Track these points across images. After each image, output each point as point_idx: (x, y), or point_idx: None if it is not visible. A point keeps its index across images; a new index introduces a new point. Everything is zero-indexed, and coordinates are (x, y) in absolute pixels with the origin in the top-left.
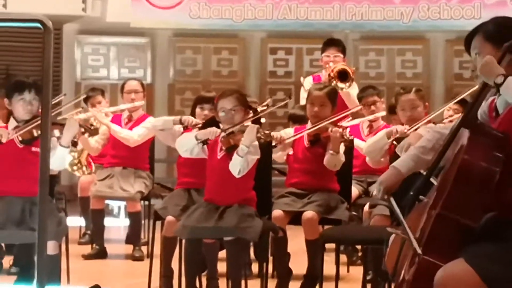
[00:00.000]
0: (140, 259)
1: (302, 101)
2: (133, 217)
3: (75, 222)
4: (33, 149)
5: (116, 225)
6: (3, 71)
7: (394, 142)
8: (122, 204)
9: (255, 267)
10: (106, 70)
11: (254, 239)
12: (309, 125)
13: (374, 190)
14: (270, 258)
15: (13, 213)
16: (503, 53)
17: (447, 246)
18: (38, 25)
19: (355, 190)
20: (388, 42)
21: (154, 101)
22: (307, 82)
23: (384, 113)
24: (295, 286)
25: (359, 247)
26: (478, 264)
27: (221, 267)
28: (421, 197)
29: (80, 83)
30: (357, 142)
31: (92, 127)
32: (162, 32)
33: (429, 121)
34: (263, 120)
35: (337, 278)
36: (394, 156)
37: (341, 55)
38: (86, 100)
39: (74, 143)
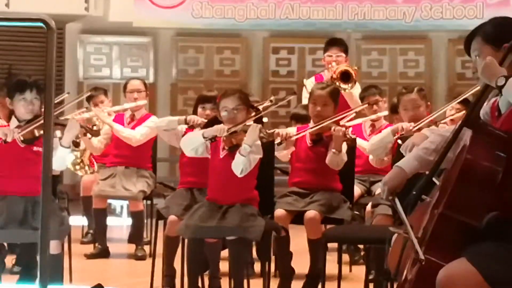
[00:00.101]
0: (142, 258)
1: (304, 101)
2: (136, 216)
3: (78, 221)
4: (35, 148)
5: (119, 225)
6: (5, 70)
7: (399, 141)
8: (125, 203)
9: (257, 267)
10: (108, 69)
11: (256, 239)
12: (311, 124)
13: (377, 189)
14: (273, 258)
15: (15, 213)
16: (505, 53)
17: (450, 246)
18: (41, 24)
19: (357, 190)
20: (390, 42)
21: (156, 101)
22: (309, 83)
23: (386, 112)
24: (297, 286)
25: (361, 246)
26: (481, 264)
27: (224, 266)
28: (423, 196)
29: (83, 83)
30: (359, 142)
31: (93, 128)
32: (164, 31)
33: (431, 121)
34: (265, 119)
35: (339, 277)
36: (397, 156)
37: (344, 55)
38: (88, 99)
39: (76, 144)
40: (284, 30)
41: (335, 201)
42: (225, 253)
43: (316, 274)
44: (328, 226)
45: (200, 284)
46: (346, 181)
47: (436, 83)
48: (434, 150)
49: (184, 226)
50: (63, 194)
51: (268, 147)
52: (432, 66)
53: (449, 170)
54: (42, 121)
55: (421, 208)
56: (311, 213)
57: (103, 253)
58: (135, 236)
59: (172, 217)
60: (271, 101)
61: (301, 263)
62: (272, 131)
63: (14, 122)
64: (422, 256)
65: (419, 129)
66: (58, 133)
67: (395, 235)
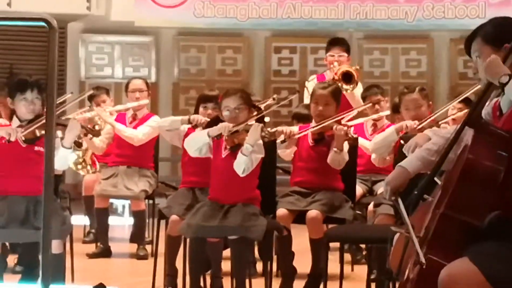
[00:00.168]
0: (144, 258)
1: (306, 101)
2: (138, 216)
3: (80, 221)
4: (36, 148)
5: (121, 224)
6: (7, 70)
7: (402, 142)
8: (127, 203)
9: (259, 266)
10: (110, 69)
11: (258, 238)
12: (313, 124)
13: (379, 189)
14: (275, 257)
15: (17, 212)
16: (507, 52)
17: (452, 245)
18: (43, 24)
19: (359, 189)
20: (392, 41)
21: (158, 100)
22: (311, 84)
23: (388, 112)
24: (299, 285)
25: (363, 246)
26: (482, 263)
27: (226, 266)
28: (425, 196)
29: (85, 82)
30: (361, 141)
31: (94, 129)
32: (166, 31)
33: (433, 120)
34: (267, 119)
35: (341, 277)
36: (399, 155)
37: (346, 55)
38: (90, 99)
39: (79, 144)
40: (286, 29)
41: (337, 200)
42: (227, 252)
43: (318, 273)
44: (330, 226)
45: (202, 284)
46: (348, 180)
47: (438, 82)
48: (436, 151)
49: (186, 226)
50: (65, 194)
51: (270, 146)
52: (434, 65)
53: (451, 170)
54: (44, 121)
55: (423, 207)
56: (313, 212)
57: (105, 253)
58: (137, 236)
59: (174, 217)
60: (273, 99)
61: (303, 262)
62: (275, 129)
63: (15, 121)
64: (423, 260)
65: (422, 128)
66: (59, 133)
67: (397, 234)
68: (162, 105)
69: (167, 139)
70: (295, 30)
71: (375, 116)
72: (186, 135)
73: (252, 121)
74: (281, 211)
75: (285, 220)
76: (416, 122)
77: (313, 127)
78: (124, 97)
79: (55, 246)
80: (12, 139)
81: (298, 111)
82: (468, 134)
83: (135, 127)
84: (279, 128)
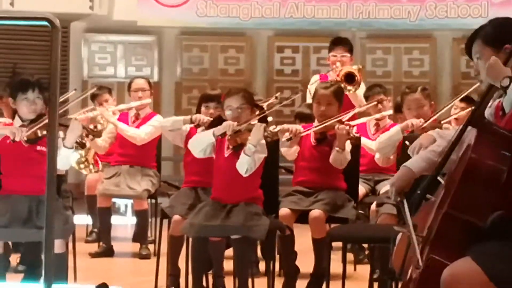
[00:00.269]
0: (147, 257)
1: (309, 101)
2: (140, 215)
3: (82, 220)
4: (38, 147)
5: (123, 223)
6: (10, 69)
7: (406, 143)
8: (129, 202)
9: (262, 266)
10: (113, 68)
11: (261, 238)
12: (316, 123)
13: (382, 188)
14: (277, 257)
15: (19, 212)
16: (509, 55)
17: (454, 245)
18: (46, 23)
19: (362, 189)
20: (395, 41)
21: (161, 99)
22: (315, 84)
23: (390, 111)
24: (302, 285)
25: (366, 245)
26: (485, 263)
27: (228, 265)
28: (428, 195)
29: (87, 81)
30: (364, 141)
31: (95, 130)
32: (169, 30)
33: (435, 119)
34: (269, 118)
35: (344, 276)
36: (402, 155)
37: (348, 55)
38: (93, 98)
39: (83, 145)
40: (288, 29)
41: (339, 200)
42: (229, 252)
43: (321, 273)
44: (333, 225)
45: (204, 283)
46: (350, 180)
47: (441, 82)
48: (440, 153)
49: (188, 225)
50: (68, 193)
51: (272, 146)
52: (436, 65)
53: (454, 169)
54: (47, 121)
55: (426, 207)
56: (315, 212)
57: (108, 252)
58: (140, 235)
59: (176, 217)
60: (276, 97)
61: (305, 262)
62: (281, 126)
63: (17, 121)
64: (421, 263)
65: (425, 128)
66: (60, 133)
67: (400, 234)
68: (165, 105)
69: (169, 139)
70: (297, 30)
71: (377, 115)
72: (189, 134)
73: (254, 121)
74: (283, 211)
75: (287, 220)
76: (421, 120)
77: (316, 127)
78: (126, 96)
79: (58, 246)
80: (17, 138)
81: (300, 110)
82: (471, 134)
83: (137, 127)
84: (285, 126)
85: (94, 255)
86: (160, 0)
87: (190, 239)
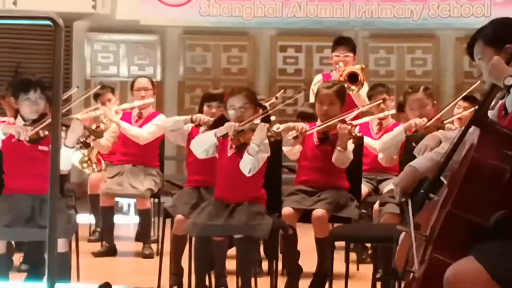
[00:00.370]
0: (150, 256)
1: (312, 100)
2: (143, 214)
3: (85, 219)
4: (40, 147)
5: (126, 223)
6: (12, 68)
7: (413, 144)
8: (132, 201)
9: (264, 265)
10: (116, 67)
11: (264, 237)
12: (318, 123)
13: (385, 188)
14: (280, 256)
15: (22, 211)
16: (511, 54)
17: (457, 244)
18: (49, 22)
19: (364, 188)
20: (398, 40)
21: (164, 99)
22: (317, 85)
23: (393, 111)
24: (305, 284)
25: (368, 245)
26: (488, 262)
27: (231, 264)
28: (431, 195)
29: (90, 81)
30: (366, 140)
31: (96, 130)
32: (172, 29)
33: (438, 119)
34: (272, 117)
35: (346, 276)
36: (404, 155)
37: (351, 55)
38: (95, 98)
39: (87, 144)
40: (291, 28)
41: (342, 199)
42: (232, 251)
43: (324, 272)
44: (336, 225)
45: (207, 283)
46: (353, 179)
47: (444, 81)
48: (444, 154)
49: (191, 224)
50: (70, 192)
51: (275, 145)
52: (439, 64)
53: (457, 169)
54: (49, 121)
55: (429, 207)
56: (318, 211)
57: (110, 251)
58: (143, 234)
59: (179, 216)
60: (276, 98)
61: (308, 261)
62: (286, 125)
63: (19, 121)
64: (416, 268)
65: (428, 128)
66: (62, 133)
67: (403, 233)
68: (168, 104)
69: (171, 139)
70: (300, 29)
71: (380, 115)
72: (191, 134)
73: (257, 120)
74: (286, 210)
75: (290, 219)
76: (425, 119)
77: (318, 126)
78: (129, 95)
79: (61, 245)
80: (22, 137)
81: (303, 110)
82: (474, 133)
83: (140, 126)
84: (291, 124)
85: (97, 254)
86: None
87: (193, 239)
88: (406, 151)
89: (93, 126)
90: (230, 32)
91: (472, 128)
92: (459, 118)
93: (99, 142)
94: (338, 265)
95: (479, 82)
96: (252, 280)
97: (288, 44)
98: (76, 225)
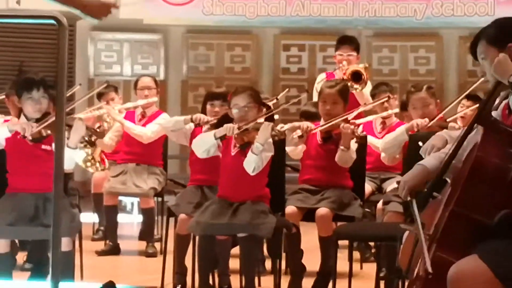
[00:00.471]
0: (153, 255)
1: (315, 99)
2: (147, 213)
3: (89, 218)
4: (43, 146)
5: (129, 222)
6: (16, 67)
7: (420, 143)
8: (135, 200)
9: (268, 264)
10: (119, 66)
11: (267, 236)
12: (322, 122)
13: (388, 187)
14: (283, 255)
15: (26, 210)
16: None
17: (461, 243)
18: (53, 21)
19: (368, 187)
20: (401, 39)
21: (167, 98)
22: (321, 83)
23: (397, 110)
24: (308, 283)
25: (372, 244)
26: (492, 261)
27: (235, 263)
28: (435, 194)
29: (93, 80)
30: (370, 139)
31: (98, 130)
32: (175, 28)
33: (441, 118)
34: (276, 116)
35: (350, 275)
36: (408, 154)
37: (355, 54)
38: (99, 97)
39: (92, 143)
40: (294, 27)
41: (346, 198)
42: (236, 250)
43: (327, 271)
44: (339, 223)
45: (211, 281)
46: (356, 178)
47: (447, 80)
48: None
49: (195, 223)
50: (74, 191)
51: (278, 144)
52: (443, 63)
53: (461, 168)
54: (52, 120)
55: (432, 205)
56: (322, 210)
57: (114, 250)
58: (146, 233)
59: (182, 216)
60: (277, 99)
61: (312, 260)
62: (291, 124)
63: (23, 120)
64: (430, 269)
65: (431, 127)
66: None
67: (407, 232)
68: (171, 103)
69: (173, 139)
70: (304, 28)
71: (384, 114)
72: (193, 133)
73: (261, 119)
74: (290, 209)
75: (294, 218)
76: (426, 119)
77: (322, 126)
78: (133, 94)
79: (64, 244)
80: (27, 134)
81: (306, 109)
82: (478, 133)
83: (144, 125)
84: (296, 124)
85: (100, 253)
86: None
87: (197, 238)
88: (411, 150)
89: (96, 126)
90: (234, 31)
91: (475, 129)
92: (462, 117)
93: (103, 141)
94: (342, 264)
95: (482, 79)
96: (256, 279)
97: (291, 43)
98: (80, 224)
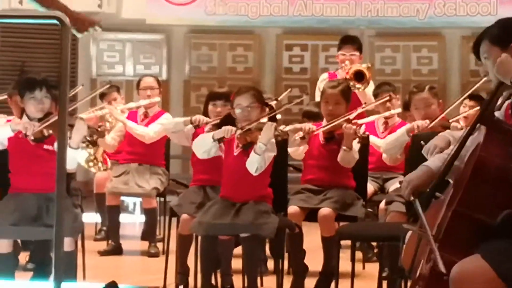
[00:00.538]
0: (155, 255)
1: (318, 98)
2: (149, 213)
3: (91, 218)
4: (45, 146)
5: (132, 222)
6: (18, 67)
7: (422, 143)
8: (138, 200)
9: (270, 264)
10: (121, 66)
11: (270, 236)
12: (324, 122)
13: (391, 187)
14: (286, 255)
15: (29, 210)
16: None
17: (464, 243)
18: (56, 22)
19: (370, 187)
20: (403, 39)
21: (169, 98)
22: (323, 82)
23: (399, 110)
24: (311, 283)
25: (374, 244)
26: (494, 260)
27: (237, 263)
28: (437, 194)
29: (96, 80)
30: (372, 139)
31: (99, 130)
32: (177, 28)
33: (444, 118)
34: (278, 116)
35: (352, 275)
36: (410, 155)
37: (357, 53)
38: (101, 97)
39: (94, 143)
40: (297, 27)
41: (348, 198)
42: (238, 250)
43: (330, 271)
44: (342, 223)
45: (213, 282)
46: (359, 178)
47: (450, 80)
48: None
49: (197, 224)
50: (77, 191)
51: (281, 144)
52: (445, 63)
53: (463, 168)
54: (55, 118)
55: (435, 205)
56: (325, 210)
57: (116, 250)
58: (148, 233)
59: (184, 216)
60: (276, 100)
61: (314, 260)
62: (292, 126)
63: (25, 120)
64: (443, 269)
65: (433, 127)
66: None
67: (409, 232)
68: (173, 103)
69: (175, 141)
70: (306, 28)
71: (386, 113)
72: (195, 134)
73: (264, 119)
74: (292, 209)
75: (296, 218)
76: (427, 121)
77: (324, 126)
78: (135, 94)
79: (67, 244)
80: (29, 133)
81: (308, 109)
82: (481, 132)
83: (146, 125)
84: (297, 125)
85: (103, 253)
86: None
87: (199, 238)
88: (413, 150)
89: (98, 126)
90: (236, 31)
91: (477, 130)
92: (465, 117)
93: (105, 141)
94: (344, 264)
95: (484, 79)
96: (258, 279)
97: (293, 42)
98: (82, 224)
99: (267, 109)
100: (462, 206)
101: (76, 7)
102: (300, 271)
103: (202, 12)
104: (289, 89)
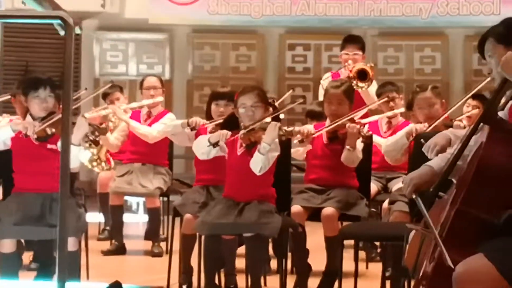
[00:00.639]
0: (159, 255)
1: (321, 98)
2: (152, 213)
3: (94, 218)
4: (49, 146)
5: (135, 221)
6: (22, 67)
7: (422, 141)
8: (141, 200)
9: (274, 263)
10: (124, 66)
11: (273, 235)
12: (327, 122)
13: (394, 186)
14: (289, 254)
15: (32, 209)
16: None
17: (467, 242)
18: (59, 21)
19: (374, 187)
20: (406, 38)
21: (172, 97)
22: (326, 82)
23: (403, 109)
24: (314, 283)
25: (378, 243)
26: (497, 259)
27: (240, 263)
28: (440, 193)
29: (99, 79)
30: (376, 139)
31: (100, 127)
32: (180, 28)
33: (447, 117)
34: (281, 115)
35: (356, 274)
36: (413, 154)
37: (360, 53)
38: (104, 97)
39: (96, 142)
40: (300, 26)
41: (351, 198)
42: (242, 249)
43: (333, 271)
44: (345, 223)
45: (217, 281)
46: (362, 178)
47: (453, 79)
48: None
49: (201, 223)
50: (80, 191)
51: (284, 144)
52: (448, 62)
53: (467, 167)
54: (59, 117)
55: (438, 205)
56: (328, 210)
57: (120, 250)
58: (152, 233)
59: (188, 216)
60: (274, 101)
61: (317, 260)
62: (291, 128)
63: (29, 119)
64: (450, 264)
65: (436, 127)
66: None
67: (413, 232)
68: (176, 102)
69: (176, 142)
70: (309, 27)
71: (389, 113)
72: (197, 134)
73: (268, 119)
74: (295, 208)
75: (299, 217)
76: (426, 124)
77: (327, 127)
78: (138, 94)
79: (70, 243)
80: (29, 132)
81: (311, 108)
82: (484, 131)
83: (149, 125)
84: (296, 128)
85: (106, 253)
86: None
87: (203, 237)
88: (416, 150)
89: (102, 123)
90: (239, 30)
91: (480, 130)
92: (468, 117)
93: (108, 141)
94: (347, 264)
95: (488, 79)
96: (261, 278)
97: (296, 42)
98: (86, 223)
99: (271, 109)
100: (465, 205)
101: (79, 7)
102: (303, 271)
103: (205, 12)
104: (291, 90)
